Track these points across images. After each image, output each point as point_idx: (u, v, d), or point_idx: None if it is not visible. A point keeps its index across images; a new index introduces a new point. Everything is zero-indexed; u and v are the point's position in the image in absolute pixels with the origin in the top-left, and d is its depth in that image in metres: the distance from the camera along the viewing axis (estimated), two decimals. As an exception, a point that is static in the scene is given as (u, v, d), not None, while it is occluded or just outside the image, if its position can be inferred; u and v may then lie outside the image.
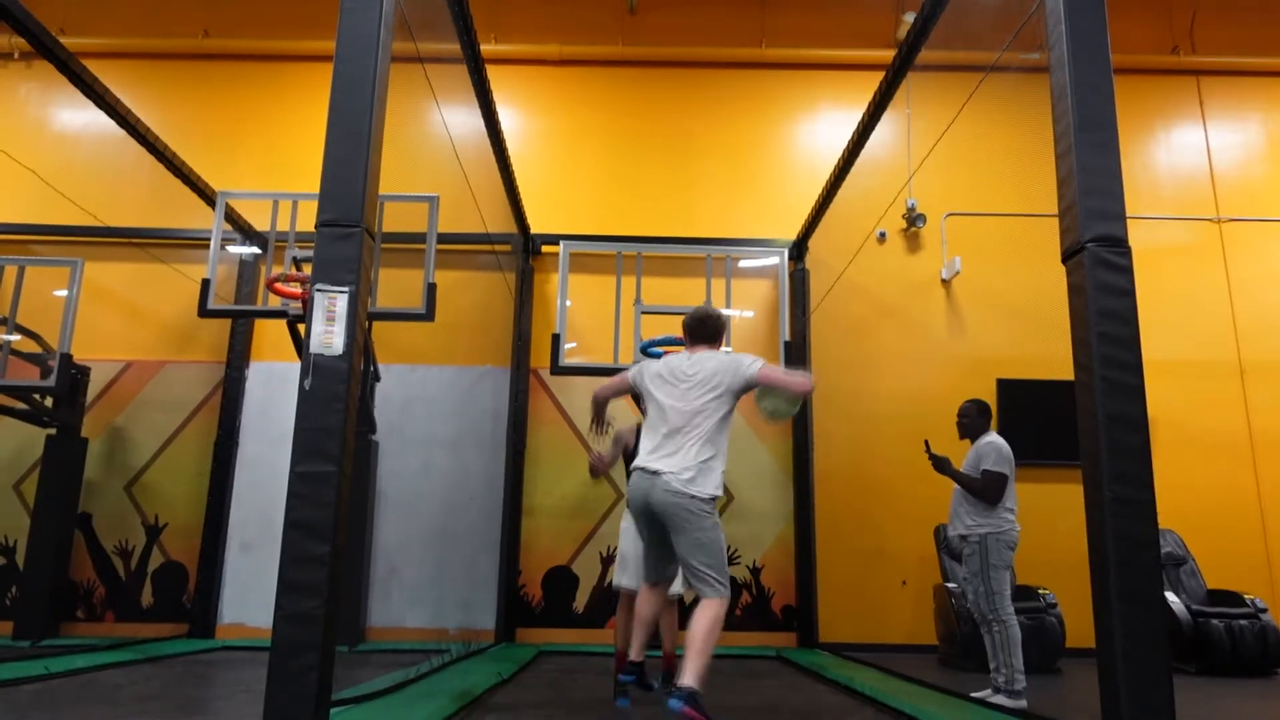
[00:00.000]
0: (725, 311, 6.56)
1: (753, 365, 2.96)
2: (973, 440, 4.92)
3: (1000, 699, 4.36)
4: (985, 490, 4.61)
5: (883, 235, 8.19)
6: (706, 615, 2.72)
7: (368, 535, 7.31)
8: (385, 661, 5.84)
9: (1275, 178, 8.54)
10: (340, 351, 3.09)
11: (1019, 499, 4.74)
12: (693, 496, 2.77)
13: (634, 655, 3.26)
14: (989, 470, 4.64)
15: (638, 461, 3.07)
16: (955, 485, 4.85)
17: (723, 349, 3.30)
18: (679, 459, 2.87)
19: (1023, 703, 4.30)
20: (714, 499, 2.83)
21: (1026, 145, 4.63)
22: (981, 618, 4.64)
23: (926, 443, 4.92)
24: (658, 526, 2.91)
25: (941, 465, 4.84)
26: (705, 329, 3.21)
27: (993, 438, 4.79)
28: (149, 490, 7.64)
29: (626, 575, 4.15)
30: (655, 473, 2.85)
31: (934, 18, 4.83)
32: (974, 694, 4.54)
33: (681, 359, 3.19)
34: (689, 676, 2.80)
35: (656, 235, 7.79)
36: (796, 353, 7.63)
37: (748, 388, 3.00)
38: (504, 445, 7.68)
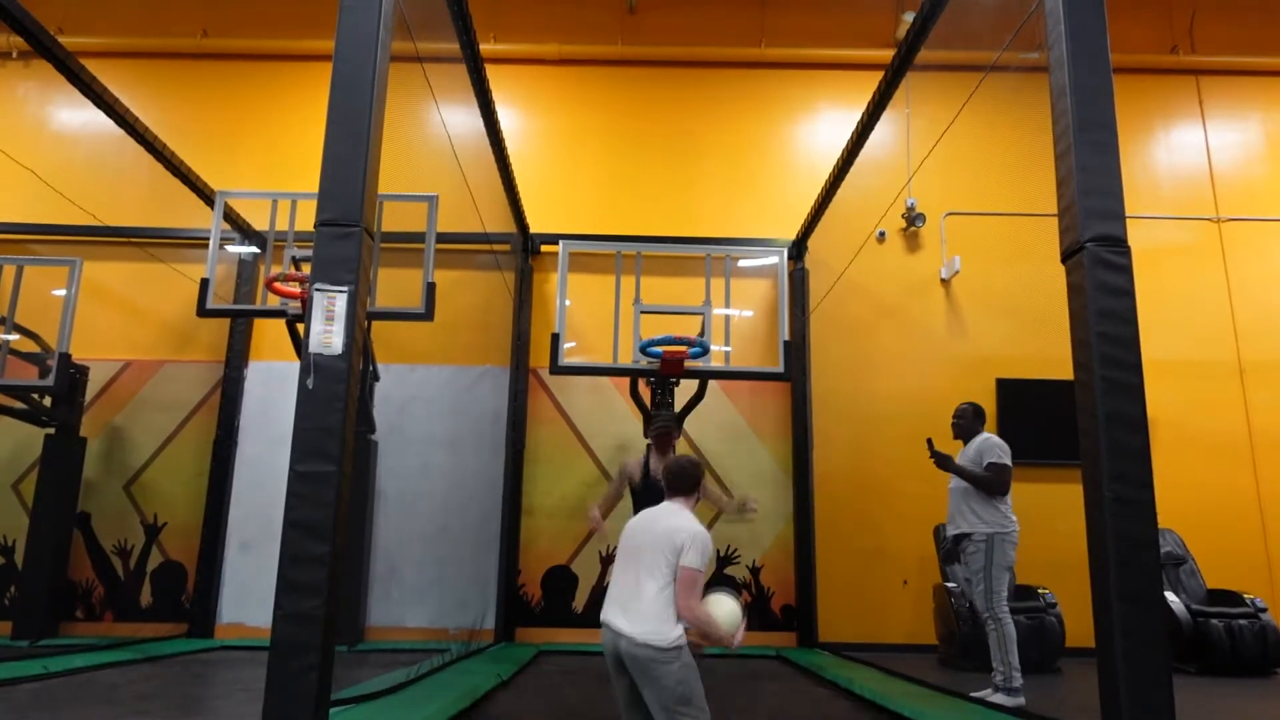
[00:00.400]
0: (725, 312, 6.61)
1: (694, 560, 2.75)
2: (965, 441, 4.96)
3: (999, 697, 4.37)
4: (993, 483, 4.63)
5: (882, 235, 8.18)
6: None
7: (367, 535, 7.31)
8: (385, 661, 5.84)
9: (1275, 177, 8.54)
10: (339, 351, 3.09)
11: (1013, 499, 4.77)
12: (652, 648, 2.66)
13: None
14: (995, 463, 4.68)
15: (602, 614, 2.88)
16: (952, 486, 4.85)
17: (694, 502, 3.15)
18: (637, 609, 2.75)
19: (1020, 700, 4.31)
20: (677, 648, 2.66)
21: (1026, 145, 4.63)
22: (981, 616, 4.67)
23: (929, 441, 4.93)
24: (625, 679, 2.79)
25: (944, 462, 4.86)
26: (679, 481, 3.07)
27: (989, 435, 4.84)
28: (148, 490, 7.64)
29: None
30: (617, 631, 2.73)
31: (934, 17, 4.83)
32: (974, 694, 4.54)
33: (655, 511, 3.03)
34: None
35: (656, 235, 7.79)
36: (796, 352, 7.63)
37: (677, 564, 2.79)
38: (503, 445, 7.67)
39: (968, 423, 5.00)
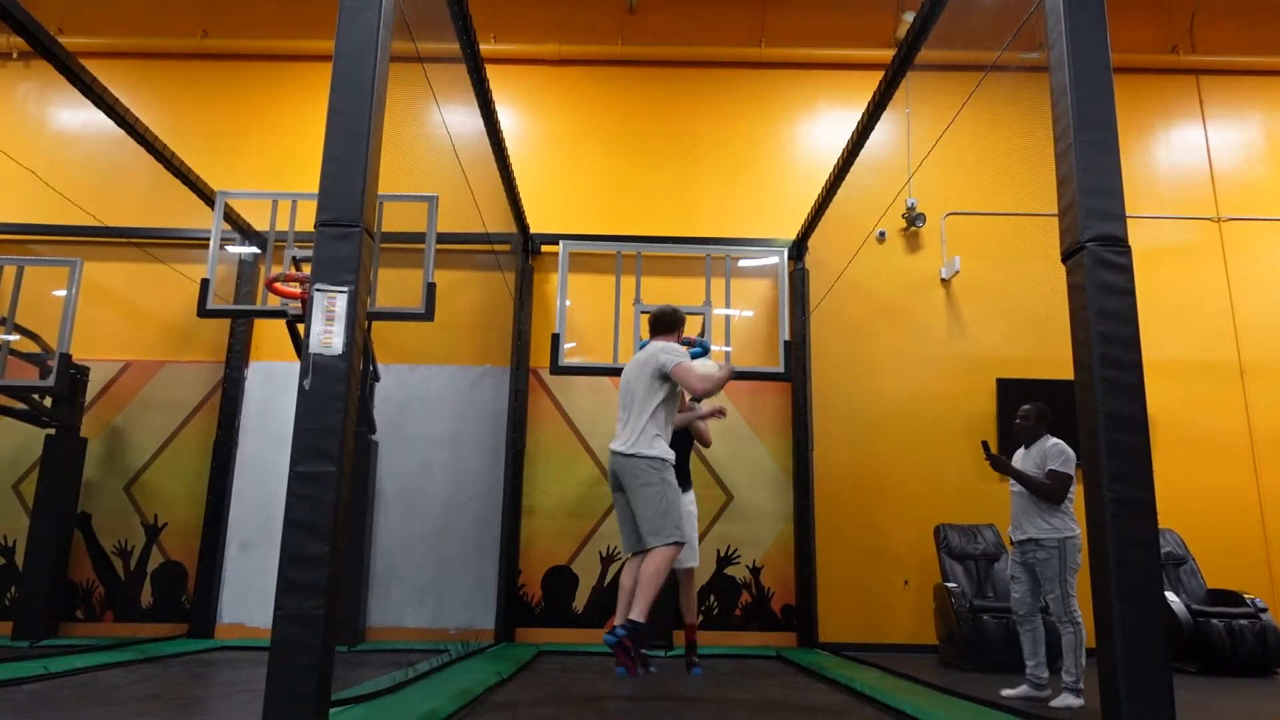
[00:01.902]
0: (725, 312, 6.62)
1: (669, 359, 3.30)
2: (1027, 444, 4.91)
3: (1068, 698, 4.39)
4: (1052, 491, 4.62)
5: (882, 235, 8.18)
6: (651, 561, 3.13)
7: (367, 535, 7.31)
8: (385, 661, 5.84)
9: (1275, 177, 8.54)
10: (340, 351, 3.09)
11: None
12: (637, 456, 3.21)
13: (615, 619, 3.62)
14: (1056, 471, 4.64)
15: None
16: (1014, 490, 4.81)
17: (674, 339, 3.62)
18: (627, 432, 3.32)
19: (1082, 700, 4.34)
20: (659, 460, 3.23)
21: (1026, 145, 4.63)
22: (1030, 615, 4.71)
23: (985, 444, 4.88)
24: (622, 496, 3.36)
25: (1001, 465, 4.82)
26: (659, 321, 3.63)
27: (1057, 440, 4.78)
28: (148, 490, 7.64)
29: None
30: (614, 451, 3.34)
31: (933, 17, 4.82)
32: (1006, 691, 4.57)
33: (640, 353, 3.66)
34: (636, 612, 3.35)
35: (656, 235, 7.79)
36: (796, 352, 7.63)
37: (663, 375, 3.37)
38: (504, 445, 7.67)
39: (1030, 424, 4.90)
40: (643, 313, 6.40)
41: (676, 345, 3.38)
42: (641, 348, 6.15)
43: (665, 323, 3.62)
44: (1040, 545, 4.64)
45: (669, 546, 3.12)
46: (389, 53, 3.49)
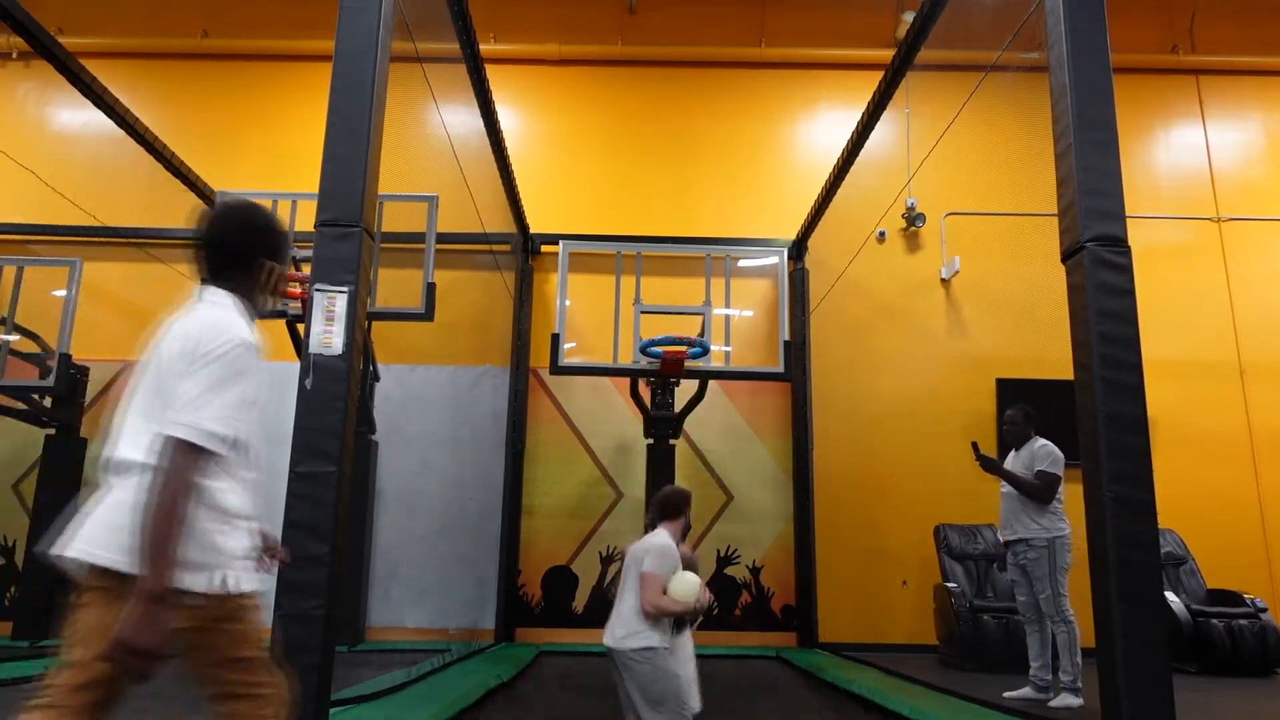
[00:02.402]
0: (725, 312, 6.61)
1: (649, 565, 3.08)
2: (1017, 447, 4.93)
3: (1067, 698, 4.39)
4: (1040, 491, 4.64)
5: (882, 235, 8.18)
6: None
7: (367, 535, 7.30)
8: (385, 661, 5.84)
9: (1275, 177, 8.54)
10: (339, 351, 3.09)
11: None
12: (625, 651, 3.02)
13: None
14: (1045, 471, 4.67)
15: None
16: (1004, 490, 4.82)
17: (679, 526, 3.39)
18: (615, 621, 3.12)
19: (1081, 700, 4.34)
20: (649, 650, 3.00)
21: (1026, 145, 4.63)
22: (1036, 617, 4.69)
23: (975, 445, 4.91)
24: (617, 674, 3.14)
25: (991, 466, 4.84)
26: (663, 507, 3.36)
27: (1045, 441, 4.80)
28: (148, 490, 7.62)
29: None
30: (605, 642, 3.11)
31: (933, 17, 4.82)
32: (1008, 693, 4.57)
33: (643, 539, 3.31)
34: None
35: (656, 235, 7.79)
36: (796, 352, 7.63)
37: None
38: (503, 445, 7.67)
39: (1019, 427, 4.94)
40: (643, 313, 6.40)
41: (670, 547, 3.22)
42: (648, 353, 6.21)
43: (671, 508, 3.34)
44: (1030, 545, 4.65)
45: None
46: (389, 53, 3.49)
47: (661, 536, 3.24)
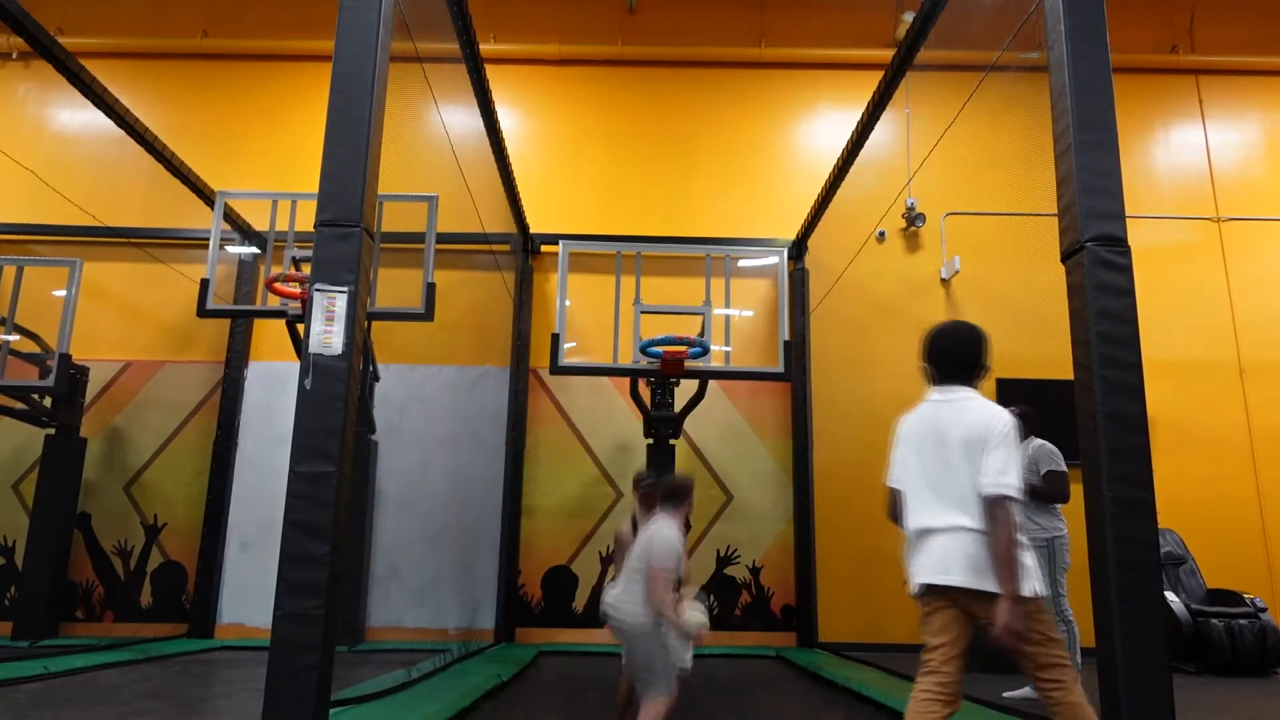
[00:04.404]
0: (725, 312, 6.61)
1: (656, 563, 3.23)
2: None
3: None
4: (1055, 493, 4.64)
5: (882, 235, 8.18)
6: (647, 713, 3.20)
7: (367, 535, 7.31)
8: (385, 661, 5.84)
9: (1275, 177, 8.54)
10: (339, 351, 3.09)
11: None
12: (632, 620, 3.27)
13: None
14: (1053, 471, 4.68)
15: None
16: None
17: (682, 514, 3.47)
18: (621, 591, 3.35)
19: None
20: (653, 622, 3.21)
21: (1026, 145, 4.63)
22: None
23: None
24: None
25: None
26: (669, 495, 3.48)
27: (1042, 441, 4.81)
28: (148, 490, 7.64)
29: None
30: (606, 605, 3.37)
31: (933, 17, 4.82)
32: (1007, 693, 4.57)
33: (649, 524, 3.48)
34: None
35: (656, 235, 7.79)
36: (796, 352, 7.63)
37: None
38: (504, 445, 7.67)
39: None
40: (643, 313, 6.40)
41: (677, 546, 3.32)
42: (648, 353, 6.21)
43: (677, 497, 3.46)
44: (1029, 545, 4.65)
45: (663, 697, 3.21)
46: (389, 53, 3.49)
47: (670, 528, 3.35)
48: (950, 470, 2.42)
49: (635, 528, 4.31)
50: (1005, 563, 2.27)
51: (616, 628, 3.32)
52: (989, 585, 2.28)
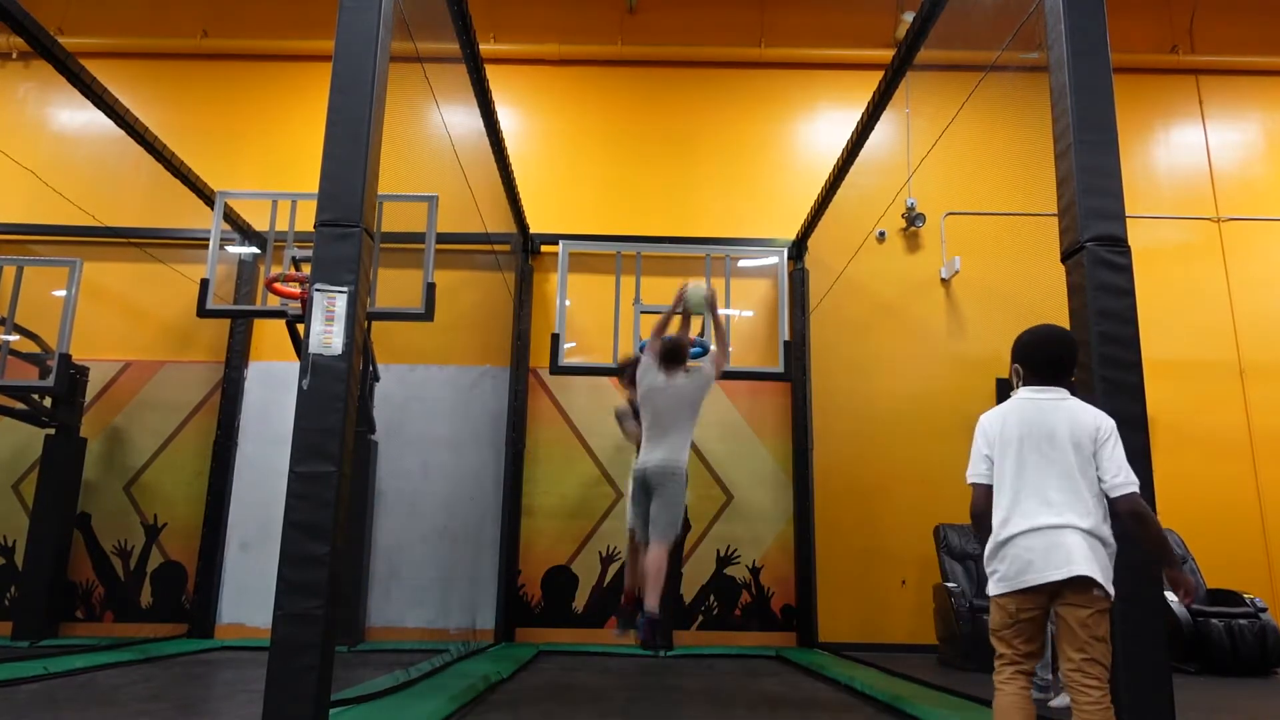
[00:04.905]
0: (724, 312, 6.61)
1: (712, 379, 4.45)
2: None
3: (1068, 697, 4.38)
4: None
5: (882, 235, 8.18)
6: (657, 555, 4.13)
7: (368, 535, 7.31)
8: (385, 661, 5.84)
9: (1275, 177, 8.54)
10: (339, 351, 3.10)
11: None
12: (680, 468, 4.30)
13: (644, 600, 4.32)
14: None
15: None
16: None
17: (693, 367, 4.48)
18: (668, 446, 4.34)
19: None
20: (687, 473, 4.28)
21: (1026, 145, 4.63)
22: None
23: None
24: (647, 499, 4.26)
25: None
26: (678, 353, 4.48)
27: None
28: (148, 490, 7.64)
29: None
30: (653, 462, 4.31)
31: (933, 17, 4.83)
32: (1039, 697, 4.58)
33: (666, 381, 4.53)
34: (653, 603, 4.22)
35: (656, 235, 7.79)
36: (796, 352, 7.63)
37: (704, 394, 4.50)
38: (504, 445, 7.67)
39: None
40: (643, 313, 6.40)
41: (701, 370, 4.51)
42: (643, 347, 6.21)
43: (682, 355, 4.43)
44: None
45: (671, 537, 4.01)
46: (389, 53, 3.49)
47: (687, 369, 4.41)
48: (1060, 469, 2.40)
49: (635, 411, 5.05)
50: (1165, 546, 2.40)
51: (655, 481, 4.01)
52: (1102, 579, 2.33)
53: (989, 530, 2.45)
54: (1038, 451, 2.42)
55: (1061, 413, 2.47)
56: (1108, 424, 2.44)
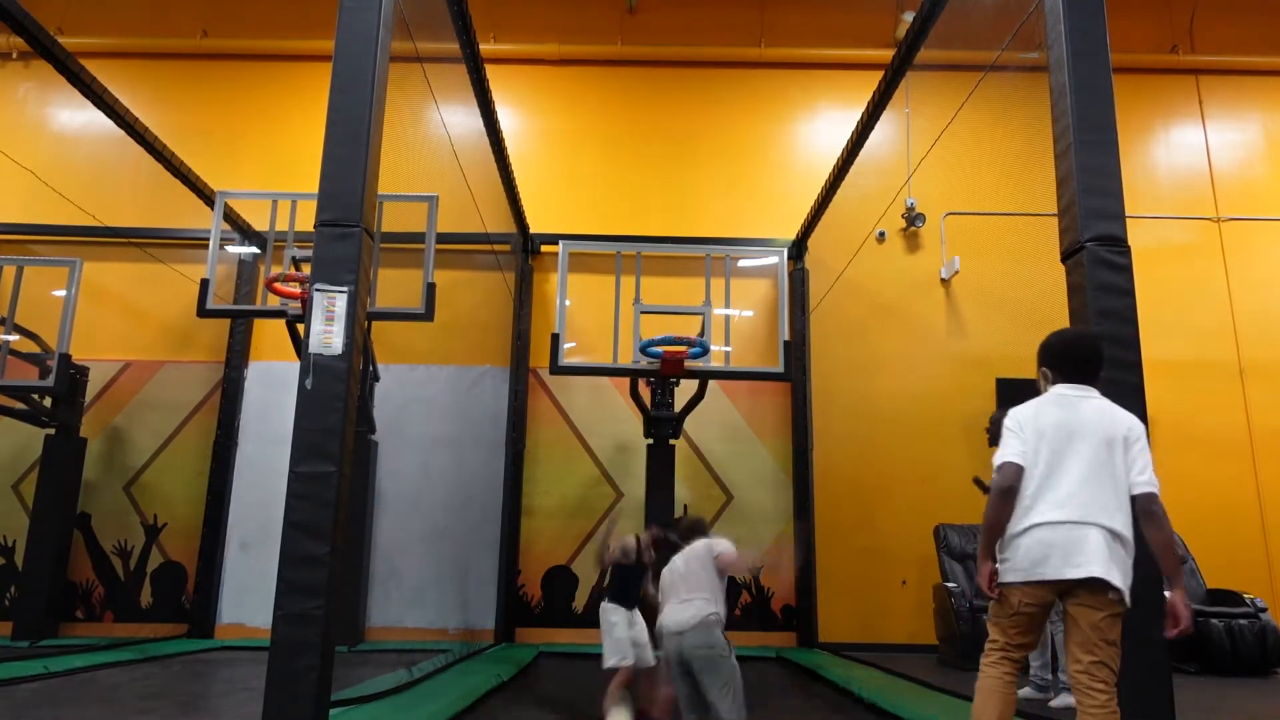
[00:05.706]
0: (725, 312, 6.61)
1: (719, 550, 3.46)
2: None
3: (1068, 698, 4.36)
4: None
5: (882, 235, 8.18)
6: None
7: (368, 535, 7.31)
8: (385, 661, 5.84)
9: (1275, 177, 8.54)
10: (339, 351, 3.10)
11: None
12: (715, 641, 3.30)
13: None
14: None
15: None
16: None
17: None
18: (694, 609, 3.37)
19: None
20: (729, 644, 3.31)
21: (1026, 145, 4.63)
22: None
23: (977, 480, 4.89)
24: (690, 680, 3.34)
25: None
26: (697, 529, 3.68)
27: None
28: (148, 490, 7.64)
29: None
30: (681, 631, 3.34)
31: (933, 17, 4.83)
32: (1044, 698, 4.58)
33: (686, 554, 3.60)
34: None
35: (656, 235, 7.79)
36: (796, 352, 7.63)
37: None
38: (503, 445, 7.67)
39: (999, 430, 4.94)
40: (643, 313, 6.40)
41: (720, 541, 3.58)
42: (648, 353, 6.21)
43: (703, 531, 3.80)
44: None
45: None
46: (389, 53, 3.49)
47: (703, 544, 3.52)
48: (1089, 465, 2.40)
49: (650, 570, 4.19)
50: (1171, 553, 2.36)
51: (698, 657, 3.20)
52: (1117, 580, 2.32)
53: (1012, 508, 2.43)
54: (1068, 446, 2.42)
55: (1094, 411, 2.48)
56: (1139, 426, 2.47)
